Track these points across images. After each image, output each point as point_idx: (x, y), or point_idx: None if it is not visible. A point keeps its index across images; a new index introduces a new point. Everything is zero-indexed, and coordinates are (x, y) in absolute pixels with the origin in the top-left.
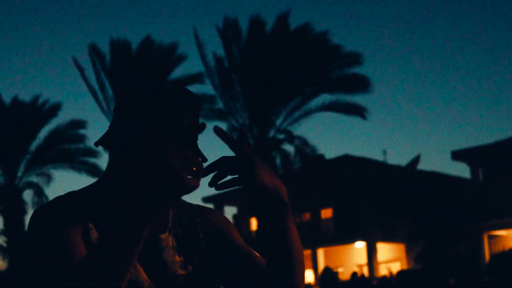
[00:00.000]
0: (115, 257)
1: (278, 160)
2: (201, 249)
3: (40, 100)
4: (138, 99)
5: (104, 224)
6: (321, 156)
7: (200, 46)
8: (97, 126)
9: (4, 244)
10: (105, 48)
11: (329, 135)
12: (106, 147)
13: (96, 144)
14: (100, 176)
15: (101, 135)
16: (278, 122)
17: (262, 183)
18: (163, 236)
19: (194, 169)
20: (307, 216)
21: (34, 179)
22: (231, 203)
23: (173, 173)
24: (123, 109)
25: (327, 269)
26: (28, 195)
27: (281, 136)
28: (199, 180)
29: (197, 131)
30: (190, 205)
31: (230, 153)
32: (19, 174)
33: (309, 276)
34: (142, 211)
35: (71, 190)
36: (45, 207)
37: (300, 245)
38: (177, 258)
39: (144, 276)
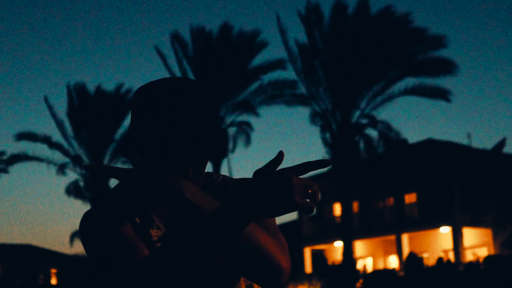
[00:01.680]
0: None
1: (361, 145)
2: None
3: (123, 89)
4: (140, 101)
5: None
6: (405, 141)
7: (282, 32)
8: None
9: None
10: (186, 36)
11: (412, 119)
12: (124, 156)
13: (121, 153)
14: None
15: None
16: (361, 106)
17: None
18: None
19: (310, 192)
20: (391, 201)
21: (120, 167)
22: None
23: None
24: (132, 112)
25: (412, 255)
26: (114, 183)
27: (364, 121)
28: (313, 205)
29: (208, 126)
30: (231, 180)
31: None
32: (105, 162)
33: (393, 262)
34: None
35: None
36: (91, 210)
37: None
38: None
39: None
